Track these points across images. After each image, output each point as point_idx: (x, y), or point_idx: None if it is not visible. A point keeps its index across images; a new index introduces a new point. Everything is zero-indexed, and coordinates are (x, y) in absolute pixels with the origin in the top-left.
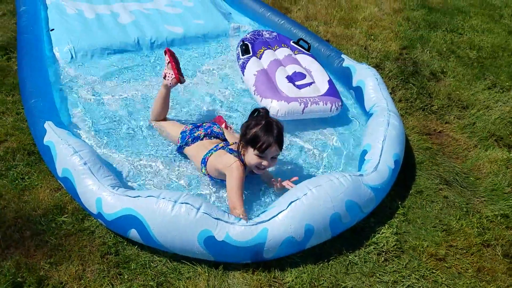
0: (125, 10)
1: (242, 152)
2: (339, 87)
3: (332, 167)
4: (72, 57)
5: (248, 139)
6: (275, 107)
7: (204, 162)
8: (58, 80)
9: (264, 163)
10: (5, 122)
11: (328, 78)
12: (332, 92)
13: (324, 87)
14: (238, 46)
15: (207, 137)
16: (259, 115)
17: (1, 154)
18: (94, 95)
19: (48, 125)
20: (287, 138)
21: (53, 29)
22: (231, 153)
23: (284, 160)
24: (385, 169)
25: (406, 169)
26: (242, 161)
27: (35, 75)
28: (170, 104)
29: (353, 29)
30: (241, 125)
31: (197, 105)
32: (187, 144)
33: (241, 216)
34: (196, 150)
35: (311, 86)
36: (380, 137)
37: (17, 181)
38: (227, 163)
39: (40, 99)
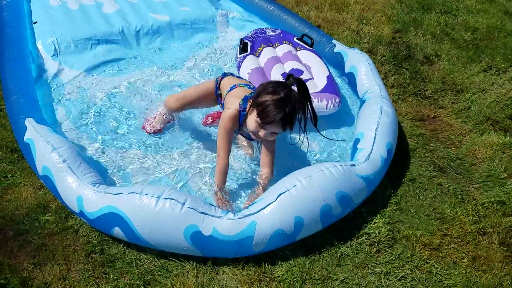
0: None
1: (248, 110)
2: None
3: (323, 155)
4: (55, 49)
5: (257, 103)
6: None
7: (228, 91)
8: (41, 75)
9: (261, 133)
10: None
11: (328, 74)
12: (330, 88)
13: (322, 83)
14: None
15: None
16: (287, 83)
17: None
18: (77, 88)
19: (29, 122)
20: None
21: (36, 22)
22: (243, 100)
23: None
24: (377, 158)
25: (399, 156)
26: (242, 114)
27: (17, 71)
28: (155, 95)
29: (345, 13)
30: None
31: None
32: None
33: (220, 166)
34: (231, 80)
35: (307, 82)
36: (373, 125)
37: None
38: (228, 106)
39: (21, 95)
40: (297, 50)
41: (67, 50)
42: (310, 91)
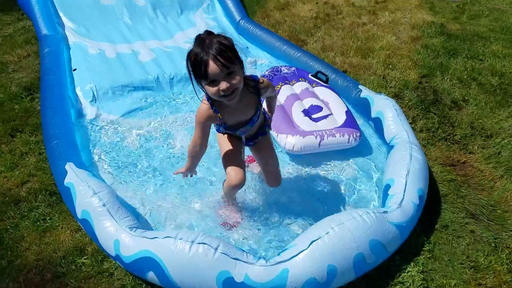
0: (145, 48)
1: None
2: (358, 118)
3: (354, 202)
4: (93, 95)
5: (189, 72)
6: (291, 142)
7: None
8: (80, 120)
9: (222, 86)
10: (28, 162)
11: (346, 109)
12: (349, 123)
13: (342, 118)
14: None
15: None
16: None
17: (24, 195)
18: (114, 133)
19: (69, 167)
20: (307, 172)
21: (75, 69)
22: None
23: (303, 195)
24: (409, 205)
25: (430, 202)
26: (210, 102)
27: (57, 116)
28: (187, 138)
29: (371, 58)
30: None
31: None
32: None
33: (196, 150)
34: None
35: (327, 118)
36: (403, 171)
37: (38, 223)
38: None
39: (61, 140)
40: (313, 87)
41: (105, 96)
42: (331, 126)
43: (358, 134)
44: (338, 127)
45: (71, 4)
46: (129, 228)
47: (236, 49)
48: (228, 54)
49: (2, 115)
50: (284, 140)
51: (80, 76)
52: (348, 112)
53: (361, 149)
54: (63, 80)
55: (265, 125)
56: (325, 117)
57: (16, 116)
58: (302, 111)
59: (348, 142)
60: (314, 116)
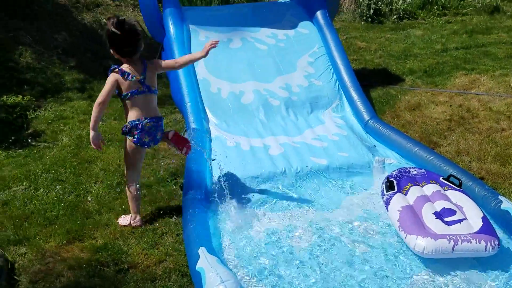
0: (276, 143)
1: None
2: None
3: None
4: (227, 184)
5: None
6: (421, 244)
7: None
8: (213, 206)
9: None
10: (167, 242)
11: (482, 215)
12: (487, 229)
13: (478, 224)
14: (383, 182)
15: None
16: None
17: (160, 274)
18: (243, 222)
19: (202, 251)
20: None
21: (214, 159)
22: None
23: None
24: None
25: None
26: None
27: (196, 201)
28: (311, 233)
29: (511, 167)
30: None
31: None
32: None
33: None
34: None
35: (462, 222)
36: None
37: None
38: None
39: (197, 225)
40: (445, 190)
41: (235, 186)
42: (465, 231)
43: (496, 243)
44: (474, 232)
45: (217, 102)
46: None
47: (108, 38)
48: None
49: (150, 197)
50: (413, 242)
51: (218, 165)
52: (484, 218)
53: (502, 268)
54: (203, 168)
55: None
56: (459, 221)
57: (161, 198)
58: (433, 213)
59: (486, 250)
60: (446, 219)
